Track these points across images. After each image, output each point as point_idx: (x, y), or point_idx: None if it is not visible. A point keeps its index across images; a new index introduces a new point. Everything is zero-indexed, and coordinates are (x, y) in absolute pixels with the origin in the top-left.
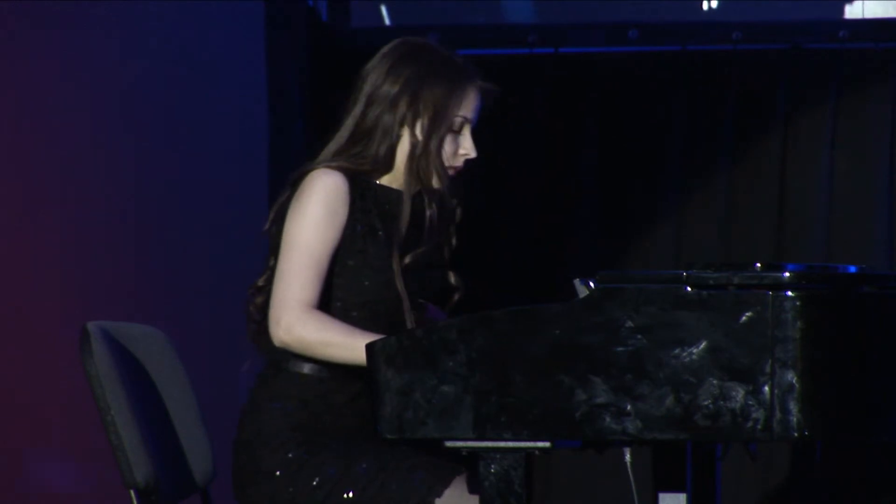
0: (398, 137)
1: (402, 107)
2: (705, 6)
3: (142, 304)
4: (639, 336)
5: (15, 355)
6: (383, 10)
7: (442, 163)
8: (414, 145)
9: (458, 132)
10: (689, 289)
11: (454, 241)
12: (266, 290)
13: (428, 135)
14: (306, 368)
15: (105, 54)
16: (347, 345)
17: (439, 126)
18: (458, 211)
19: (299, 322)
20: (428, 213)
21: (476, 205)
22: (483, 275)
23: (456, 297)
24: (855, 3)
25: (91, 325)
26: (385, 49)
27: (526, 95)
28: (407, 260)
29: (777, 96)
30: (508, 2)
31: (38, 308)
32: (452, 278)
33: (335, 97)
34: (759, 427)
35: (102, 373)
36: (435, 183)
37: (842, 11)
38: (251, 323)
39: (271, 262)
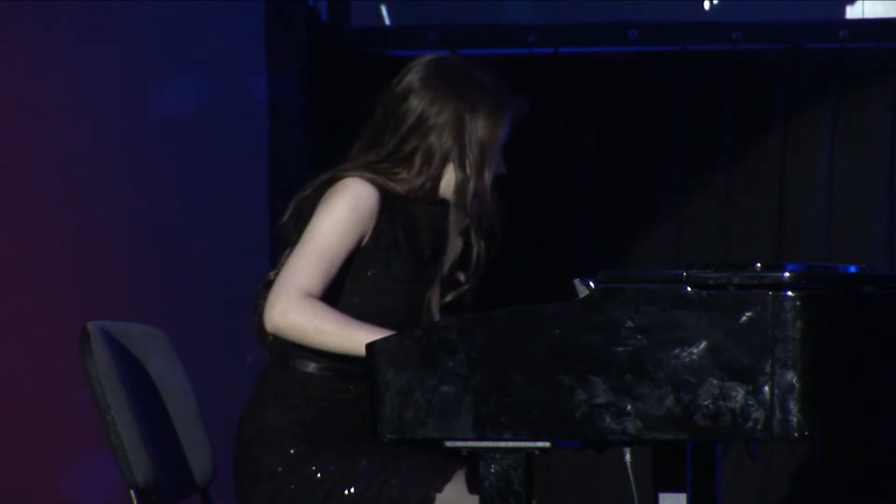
0: (441, 170)
1: (448, 140)
2: (707, 5)
3: (142, 304)
4: (639, 336)
5: (15, 355)
6: (383, 10)
7: (489, 191)
8: (463, 180)
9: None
10: (689, 289)
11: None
12: None
13: (479, 170)
14: (311, 367)
15: (105, 54)
16: (342, 334)
17: (490, 160)
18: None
19: (295, 308)
20: (475, 249)
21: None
22: (483, 275)
23: (466, 294)
24: (855, 4)
25: (91, 325)
26: (423, 71)
27: (526, 95)
28: (448, 298)
29: (777, 96)
30: (508, 2)
31: (38, 308)
32: (462, 276)
33: (335, 97)
34: (759, 427)
35: (102, 373)
36: (485, 210)
37: (842, 11)
38: (256, 316)
39: (283, 259)
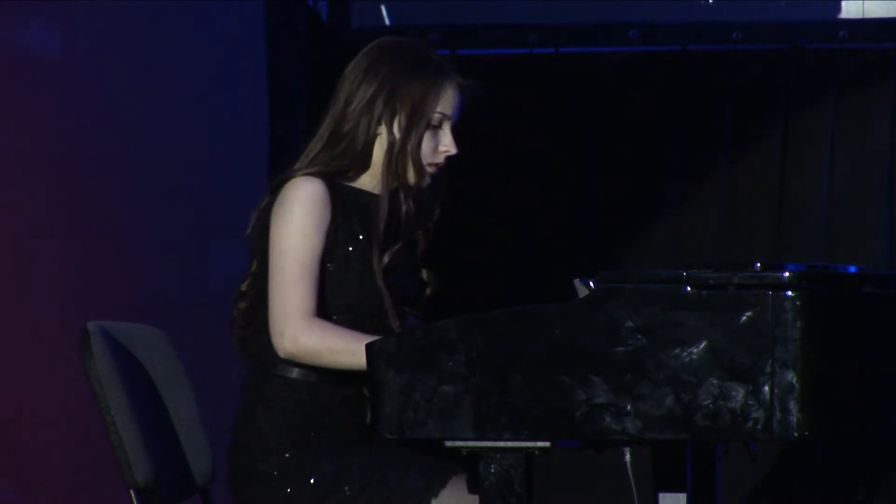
0: (375, 135)
1: (380, 105)
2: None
3: (142, 304)
4: (639, 336)
5: (15, 355)
6: (383, 10)
7: (420, 160)
8: (392, 143)
9: (437, 128)
10: (689, 289)
11: (428, 240)
12: (249, 296)
13: (406, 132)
14: (294, 373)
15: (105, 54)
16: (354, 350)
17: (417, 123)
18: (437, 210)
19: (303, 332)
20: (404, 209)
21: (476, 205)
22: (483, 275)
23: (428, 291)
24: (855, 4)
25: (91, 325)
26: (364, 50)
27: (526, 95)
28: (386, 259)
29: (777, 96)
30: (508, 2)
31: (38, 308)
32: (424, 274)
33: None
34: (759, 427)
35: (102, 373)
36: (412, 179)
37: (842, 11)
38: (235, 328)
39: (253, 268)
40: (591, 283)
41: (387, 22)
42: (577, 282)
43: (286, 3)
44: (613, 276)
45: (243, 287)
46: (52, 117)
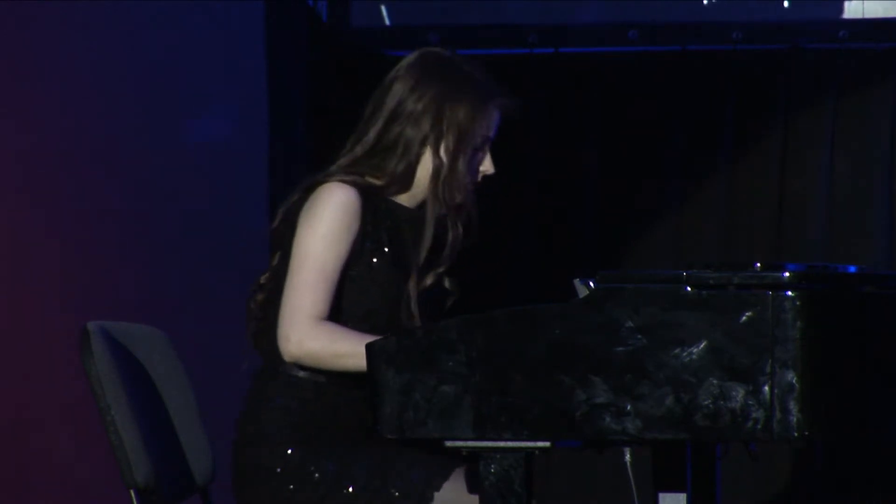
0: (419, 156)
1: (426, 126)
2: (706, 1)
3: (142, 304)
4: (639, 336)
5: (15, 355)
6: (383, 10)
7: (465, 183)
8: (437, 166)
9: (478, 150)
10: (689, 289)
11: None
12: (267, 288)
13: (454, 156)
14: (302, 373)
15: (105, 54)
16: (360, 354)
17: (465, 147)
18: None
19: (308, 336)
20: (451, 234)
21: (476, 205)
22: (483, 275)
23: (450, 301)
24: (855, 3)
25: (91, 325)
26: (410, 60)
27: (526, 95)
28: (428, 282)
29: (777, 96)
30: (508, 2)
31: (38, 308)
32: (448, 283)
33: (335, 97)
34: (759, 427)
35: (102, 373)
36: (458, 201)
37: (842, 11)
38: (251, 321)
39: (274, 261)
40: (591, 283)
41: (387, 22)
42: (577, 282)
43: (286, 3)
44: (613, 276)
45: (262, 279)
46: (52, 117)
